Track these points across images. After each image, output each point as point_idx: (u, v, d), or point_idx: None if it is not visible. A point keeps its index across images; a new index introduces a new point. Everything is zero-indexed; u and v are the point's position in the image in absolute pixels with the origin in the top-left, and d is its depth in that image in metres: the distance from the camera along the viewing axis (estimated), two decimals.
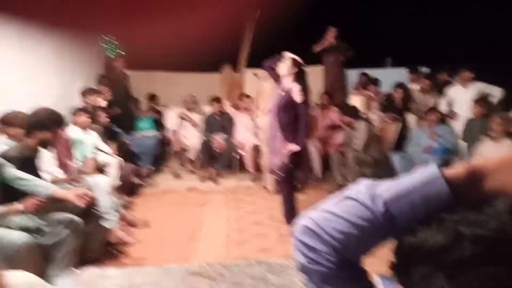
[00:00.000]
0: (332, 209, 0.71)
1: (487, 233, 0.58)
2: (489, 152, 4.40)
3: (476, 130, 4.91)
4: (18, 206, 2.57)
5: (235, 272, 1.94)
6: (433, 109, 5.39)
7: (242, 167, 6.14)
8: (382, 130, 5.79)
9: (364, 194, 0.69)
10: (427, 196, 0.65)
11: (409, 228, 0.64)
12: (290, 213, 3.95)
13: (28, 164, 2.81)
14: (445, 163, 4.85)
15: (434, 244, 0.61)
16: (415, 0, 8.74)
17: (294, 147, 3.73)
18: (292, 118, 3.76)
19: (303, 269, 0.72)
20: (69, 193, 2.72)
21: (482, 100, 5.00)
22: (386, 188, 0.68)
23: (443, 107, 5.68)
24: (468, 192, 0.64)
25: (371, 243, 0.70)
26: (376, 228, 0.67)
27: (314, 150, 5.66)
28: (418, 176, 0.67)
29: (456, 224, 0.60)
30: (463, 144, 5.17)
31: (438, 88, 6.17)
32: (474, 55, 6.34)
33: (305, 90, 3.77)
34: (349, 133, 5.58)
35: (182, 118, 6.47)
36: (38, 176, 2.83)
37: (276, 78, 3.94)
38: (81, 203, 2.68)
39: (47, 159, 3.37)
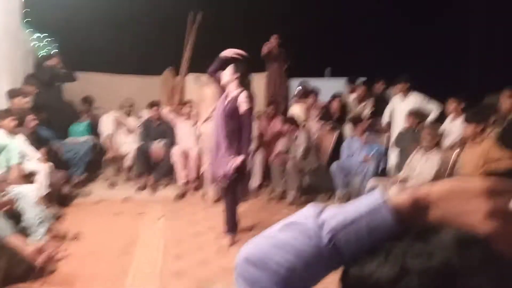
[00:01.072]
0: (277, 236, 0.67)
1: (433, 266, 0.57)
2: (418, 162, 4.63)
3: (408, 140, 5.16)
4: None
5: None
6: (360, 118, 5.62)
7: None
8: (321, 139, 5.91)
9: (310, 220, 0.65)
10: (372, 224, 0.63)
11: (355, 257, 0.62)
12: (232, 222, 3.91)
13: None
14: (378, 166, 5.10)
15: (381, 277, 0.59)
16: (358, 11, 9.08)
17: (239, 160, 3.68)
18: (237, 126, 3.72)
19: None
20: None
21: (413, 112, 5.25)
22: (332, 215, 0.65)
23: (386, 117, 5.91)
24: (413, 221, 0.62)
25: (318, 272, 0.67)
26: (321, 257, 0.64)
27: (259, 159, 5.65)
28: (364, 203, 0.65)
29: (403, 255, 0.59)
30: (395, 152, 5.42)
31: (374, 97, 6.42)
32: (411, 67, 6.67)
33: (249, 97, 3.75)
34: (289, 141, 5.64)
35: (118, 122, 6.20)
36: None
37: (220, 83, 3.88)
38: None
39: None
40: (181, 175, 5.67)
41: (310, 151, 5.50)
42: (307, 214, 0.67)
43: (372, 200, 0.64)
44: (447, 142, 4.90)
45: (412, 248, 0.59)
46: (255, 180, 5.49)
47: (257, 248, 0.67)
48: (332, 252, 0.63)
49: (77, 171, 5.56)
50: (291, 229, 0.66)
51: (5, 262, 2.63)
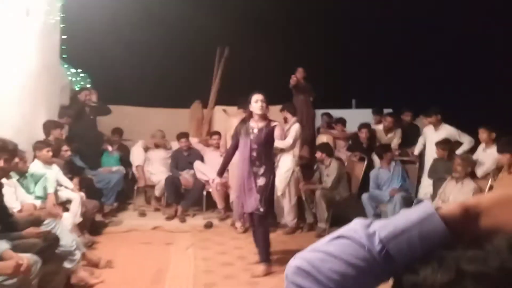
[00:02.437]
0: (326, 249, 0.68)
1: (489, 271, 0.58)
2: (452, 191, 4.54)
3: (441, 170, 5.09)
4: None
5: None
6: (387, 148, 5.60)
7: (209, 205, 6.04)
8: (350, 169, 5.88)
9: (359, 232, 0.67)
10: (424, 233, 0.64)
11: (408, 266, 0.63)
12: (266, 252, 3.92)
13: None
14: (406, 200, 5.02)
15: (435, 281, 0.59)
16: (382, 44, 9.17)
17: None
18: (264, 153, 3.92)
19: None
20: (8, 264, 2.46)
21: (444, 143, 5.21)
22: (382, 226, 0.67)
23: (418, 147, 5.88)
24: (464, 229, 0.64)
25: (368, 284, 0.67)
26: (373, 267, 0.65)
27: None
28: (413, 213, 0.67)
29: (457, 261, 0.60)
30: (428, 182, 5.34)
31: (402, 128, 6.40)
32: (438, 98, 6.65)
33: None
34: (321, 170, 5.63)
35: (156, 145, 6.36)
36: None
37: (250, 115, 4.00)
38: (15, 274, 2.44)
39: (7, 192, 3.21)
40: (217, 203, 5.83)
41: (341, 181, 5.45)
42: (355, 227, 0.68)
43: (422, 210, 0.66)
44: (480, 171, 4.80)
45: (465, 254, 0.60)
46: (290, 215, 5.36)
47: (307, 259, 0.68)
48: (384, 261, 0.64)
49: (109, 200, 5.68)
50: (340, 241, 0.68)
51: (40, 285, 2.68)
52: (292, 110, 5.55)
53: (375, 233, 0.65)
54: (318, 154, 5.58)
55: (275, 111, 5.26)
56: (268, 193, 3.90)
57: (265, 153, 3.93)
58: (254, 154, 3.90)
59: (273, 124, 3.96)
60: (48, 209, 3.90)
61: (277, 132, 3.96)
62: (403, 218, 0.67)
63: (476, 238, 0.62)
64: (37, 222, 3.14)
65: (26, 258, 2.52)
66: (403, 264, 0.63)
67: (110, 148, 6.41)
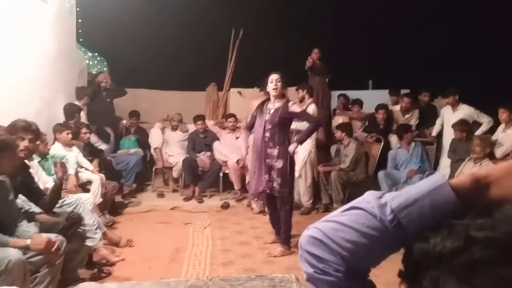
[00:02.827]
0: (339, 219, 0.70)
1: (498, 236, 0.59)
2: (470, 172, 4.50)
3: (460, 151, 5.05)
4: (25, 242, 2.49)
5: (236, 286, 1.91)
6: (408, 128, 5.54)
7: (226, 186, 6.11)
8: (366, 150, 5.86)
9: (371, 203, 0.69)
10: (434, 203, 0.65)
11: (419, 235, 0.65)
12: (287, 235, 3.96)
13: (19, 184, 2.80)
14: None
15: (445, 248, 0.61)
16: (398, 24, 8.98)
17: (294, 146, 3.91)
18: (288, 132, 3.98)
19: (311, 280, 0.71)
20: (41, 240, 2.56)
21: (460, 124, 5.14)
22: (393, 197, 0.68)
23: (437, 128, 5.83)
24: (474, 199, 0.65)
25: (380, 253, 0.69)
26: (384, 236, 0.67)
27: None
28: (424, 184, 0.68)
29: (467, 228, 0.61)
30: (446, 164, 5.30)
31: (420, 108, 6.32)
32: (457, 79, 6.53)
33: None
34: (339, 150, 5.63)
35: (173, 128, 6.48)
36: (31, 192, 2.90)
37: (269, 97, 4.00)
38: (47, 255, 2.56)
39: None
40: (234, 184, 5.92)
41: (360, 161, 5.45)
42: (367, 198, 0.70)
43: (433, 181, 0.68)
44: (499, 152, 4.73)
45: (475, 222, 0.62)
46: (306, 196, 5.37)
47: (321, 229, 0.70)
48: (396, 230, 0.66)
49: (128, 181, 5.80)
50: (352, 211, 0.70)
51: (64, 263, 2.79)
52: (309, 89, 5.50)
53: (386, 203, 0.67)
54: (338, 134, 5.58)
55: (292, 92, 5.23)
56: (288, 175, 3.90)
57: (279, 134, 3.87)
58: (268, 134, 3.88)
59: (289, 104, 3.91)
60: (69, 189, 4.02)
61: (293, 108, 3.89)
62: (414, 189, 0.68)
63: (486, 207, 0.63)
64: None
65: (57, 239, 2.61)
66: (414, 234, 0.65)
67: (124, 122, 6.49)
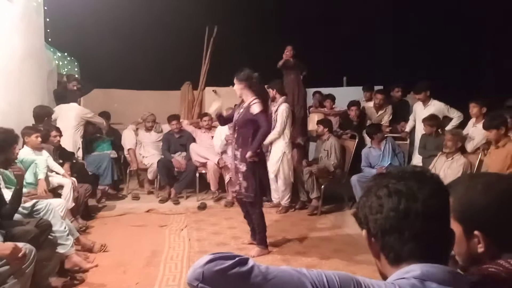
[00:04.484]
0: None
1: None
2: (442, 167, 4.58)
3: (430, 146, 5.13)
4: None
5: None
6: (378, 128, 5.62)
7: (202, 187, 6.05)
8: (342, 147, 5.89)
9: None
10: None
11: None
12: (262, 236, 3.94)
13: None
14: None
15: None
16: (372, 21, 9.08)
17: (250, 154, 3.70)
18: (251, 134, 3.77)
19: None
20: (7, 245, 2.46)
21: (430, 119, 5.21)
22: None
23: (410, 124, 5.90)
24: None
25: None
26: None
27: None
28: None
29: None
30: (418, 159, 5.37)
31: (393, 104, 6.40)
32: (430, 76, 6.64)
33: (264, 102, 3.82)
34: (318, 145, 5.63)
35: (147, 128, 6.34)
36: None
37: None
38: (13, 263, 2.42)
39: None
40: (211, 184, 5.87)
41: (338, 158, 5.47)
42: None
43: None
44: (470, 146, 4.83)
45: None
46: (285, 195, 5.35)
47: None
48: None
49: (106, 179, 5.68)
50: None
51: (35, 272, 2.68)
52: (280, 88, 5.40)
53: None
54: (320, 128, 5.64)
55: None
56: (252, 179, 3.78)
57: (243, 136, 3.78)
58: (235, 135, 3.86)
59: (252, 103, 3.77)
60: (39, 195, 3.89)
61: (252, 109, 3.73)
62: None
63: None
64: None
65: (24, 247, 2.51)
66: None
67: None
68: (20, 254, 2.44)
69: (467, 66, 8.56)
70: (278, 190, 5.33)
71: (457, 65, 8.58)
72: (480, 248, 1.08)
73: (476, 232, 1.08)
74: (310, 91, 7.46)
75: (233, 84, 3.93)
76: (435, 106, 5.49)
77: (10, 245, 2.44)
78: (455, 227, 1.05)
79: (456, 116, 5.41)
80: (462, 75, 8.38)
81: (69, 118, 5.61)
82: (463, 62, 8.61)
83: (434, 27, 8.76)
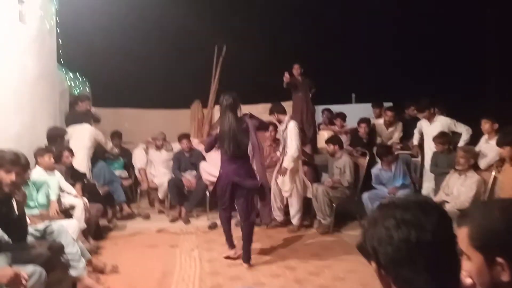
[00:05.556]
0: None
1: None
2: (455, 184, 4.52)
3: (442, 164, 5.07)
4: None
5: None
6: (388, 150, 5.53)
7: (213, 205, 6.02)
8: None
9: None
10: None
11: None
12: (249, 251, 4.09)
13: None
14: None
15: None
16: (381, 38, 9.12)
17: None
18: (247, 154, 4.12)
19: None
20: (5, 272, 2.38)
21: (440, 137, 5.16)
22: None
23: (415, 141, 5.85)
24: None
25: None
26: None
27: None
28: None
29: None
30: (430, 176, 5.31)
31: (403, 122, 6.37)
32: (441, 92, 6.61)
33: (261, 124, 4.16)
34: (330, 163, 5.60)
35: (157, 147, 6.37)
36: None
37: None
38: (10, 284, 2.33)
39: None
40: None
41: (350, 175, 5.37)
42: None
43: None
44: (483, 163, 4.77)
45: None
46: (297, 214, 5.34)
47: None
48: None
49: (120, 196, 5.72)
50: None
51: None
52: (280, 109, 5.30)
53: None
54: (331, 147, 5.49)
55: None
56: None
57: (239, 151, 4.09)
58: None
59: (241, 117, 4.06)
60: (51, 216, 3.90)
61: (249, 123, 4.05)
62: None
63: None
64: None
65: (24, 271, 2.43)
66: None
67: None
68: (19, 280, 2.34)
69: (483, 82, 8.54)
70: (293, 210, 5.31)
71: (472, 80, 8.55)
72: (505, 276, 1.05)
73: (499, 259, 1.05)
74: (319, 108, 7.48)
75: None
76: (441, 122, 5.44)
77: (8, 272, 2.36)
78: (475, 256, 1.04)
79: (464, 130, 5.34)
80: (478, 90, 8.36)
81: (82, 139, 5.64)
82: (479, 77, 8.60)
83: (443, 44, 8.76)
